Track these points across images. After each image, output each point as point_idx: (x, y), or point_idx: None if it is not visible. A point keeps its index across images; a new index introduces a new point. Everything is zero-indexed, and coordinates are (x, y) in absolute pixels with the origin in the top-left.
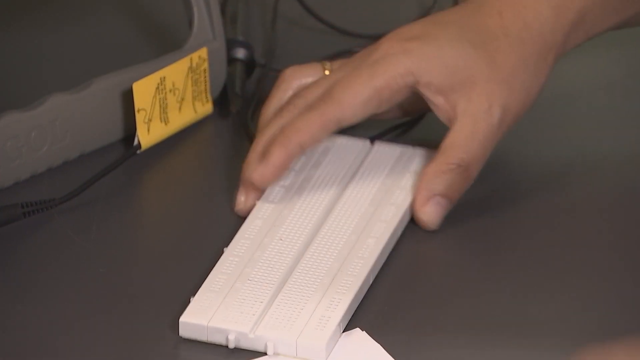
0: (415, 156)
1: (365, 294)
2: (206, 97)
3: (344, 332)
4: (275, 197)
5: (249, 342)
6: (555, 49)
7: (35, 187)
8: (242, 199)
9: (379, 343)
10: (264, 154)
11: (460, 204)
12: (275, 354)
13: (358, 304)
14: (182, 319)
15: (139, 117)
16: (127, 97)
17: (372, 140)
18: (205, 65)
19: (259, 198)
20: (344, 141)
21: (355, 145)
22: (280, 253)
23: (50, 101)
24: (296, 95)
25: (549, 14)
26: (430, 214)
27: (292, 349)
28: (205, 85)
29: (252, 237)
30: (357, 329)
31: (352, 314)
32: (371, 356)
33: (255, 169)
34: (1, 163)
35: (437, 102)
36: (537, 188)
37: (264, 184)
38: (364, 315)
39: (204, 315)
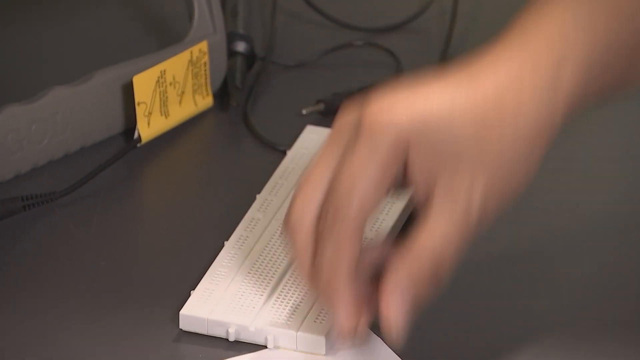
0: None
1: None
2: (206, 91)
3: None
4: (275, 192)
5: (250, 335)
6: (553, 124)
7: (35, 180)
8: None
9: (378, 336)
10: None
11: None
12: (276, 347)
13: None
14: (182, 311)
15: (139, 111)
16: (128, 90)
17: None
18: (206, 58)
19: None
20: None
21: None
22: (280, 247)
23: (50, 94)
24: None
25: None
26: (398, 323)
27: (292, 342)
28: (206, 78)
29: (253, 230)
30: None
31: None
32: (371, 349)
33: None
34: (2, 156)
35: (417, 179)
36: (537, 183)
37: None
38: None
39: (204, 308)
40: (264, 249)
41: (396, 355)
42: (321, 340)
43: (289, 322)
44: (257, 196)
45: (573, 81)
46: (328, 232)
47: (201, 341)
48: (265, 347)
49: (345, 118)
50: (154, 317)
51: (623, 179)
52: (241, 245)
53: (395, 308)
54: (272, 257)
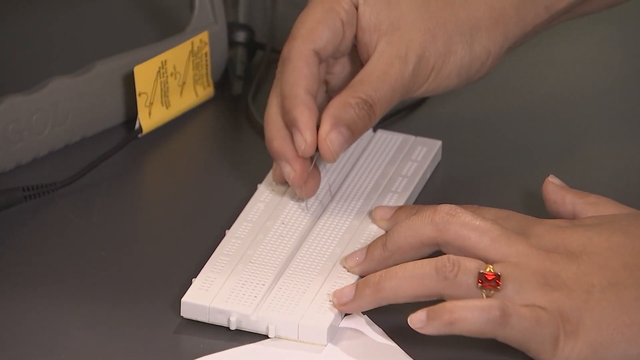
0: (416, 145)
1: None
2: (207, 81)
3: (345, 316)
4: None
5: (251, 324)
6: (503, 22)
7: (36, 170)
8: (300, 140)
9: (380, 327)
10: None
11: (462, 192)
12: (277, 336)
13: None
14: (184, 299)
15: (140, 101)
16: (129, 81)
17: (374, 128)
18: (207, 48)
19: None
20: None
21: None
22: (282, 236)
23: (51, 85)
24: None
25: None
26: (333, 143)
27: (293, 332)
28: (207, 68)
29: (254, 220)
30: None
31: None
32: (372, 340)
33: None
34: (3, 146)
35: (361, 38)
36: (537, 176)
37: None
38: None
39: (206, 296)
40: (266, 239)
41: (395, 344)
42: (323, 330)
43: (290, 312)
44: (259, 186)
45: None
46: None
47: (202, 330)
48: (267, 336)
49: None
50: (155, 306)
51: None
52: (243, 234)
53: (332, 129)
54: (274, 247)
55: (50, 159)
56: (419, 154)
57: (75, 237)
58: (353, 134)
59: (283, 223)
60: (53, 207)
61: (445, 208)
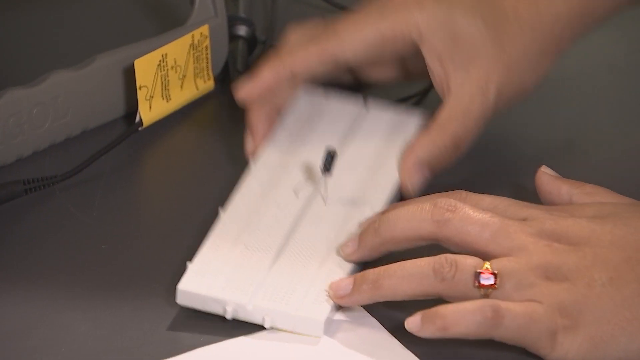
0: (409, 119)
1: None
2: (208, 74)
3: (340, 307)
4: (271, 158)
5: (247, 314)
6: (561, 43)
7: (37, 163)
8: (250, 143)
9: (376, 319)
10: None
11: (462, 183)
12: (272, 327)
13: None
14: (179, 287)
15: (141, 94)
16: (129, 74)
17: (365, 99)
18: (207, 42)
19: (262, 139)
20: (337, 103)
21: (348, 108)
22: (277, 220)
23: (52, 78)
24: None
25: (562, 7)
26: (414, 184)
27: (289, 323)
28: (207, 62)
29: (249, 200)
30: None
31: None
32: (368, 332)
33: (242, 86)
34: (3, 140)
35: (434, 68)
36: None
37: (246, 100)
38: None
39: (202, 283)
40: (261, 222)
41: (391, 336)
42: (319, 322)
43: (286, 303)
44: (252, 165)
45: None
46: (309, 38)
47: (200, 323)
48: (262, 326)
49: None
50: (156, 298)
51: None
52: (237, 217)
53: (415, 170)
54: (269, 230)
55: (50, 152)
56: (412, 128)
57: (75, 230)
58: (434, 172)
59: (278, 205)
60: (54, 201)
61: (444, 203)
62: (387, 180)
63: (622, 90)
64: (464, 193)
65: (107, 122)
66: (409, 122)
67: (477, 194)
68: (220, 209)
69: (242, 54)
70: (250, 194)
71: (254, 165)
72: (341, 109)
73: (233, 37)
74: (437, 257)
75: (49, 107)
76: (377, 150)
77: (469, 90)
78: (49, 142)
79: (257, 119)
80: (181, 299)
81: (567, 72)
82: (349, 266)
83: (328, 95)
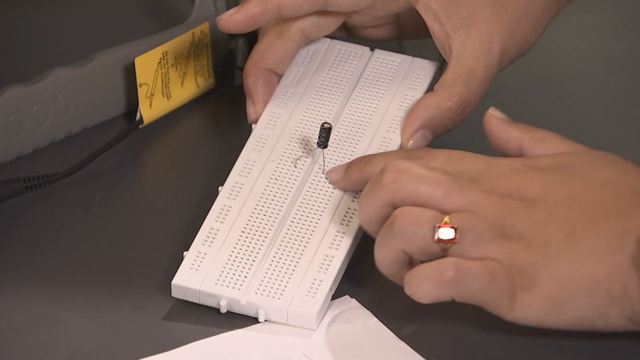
0: (414, 69)
1: (352, 262)
2: (208, 72)
3: (333, 299)
4: (272, 122)
5: (241, 308)
6: (559, 1)
7: (37, 161)
8: (251, 109)
9: (369, 310)
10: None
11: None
12: (267, 320)
13: (349, 260)
14: (174, 281)
15: (141, 92)
16: (130, 72)
17: (372, 48)
18: (208, 39)
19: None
20: (344, 47)
21: (354, 54)
22: (274, 196)
23: (52, 76)
24: None
25: None
26: (416, 145)
27: (283, 316)
28: (208, 59)
29: (246, 174)
30: (346, 296)
31: (343, 273)
32: (362, 323)
33: (226, 14)
34: (4, 137)
35: (433, 28)
36: None
37: (228, 29)
38: (352, 280)
39: (196, 277)
40: (256, 207)
41: (384, 326)
42: (312, 315)
43: (280, 296)
44: (254, 129)
45: None
46: None
47: (197, 316)
48: (257, 319)
49: None
50: (157, 297)
51: None
52: (235, 196)
53: (417, 132)
54: (263, 217)
55: (51, 150)
56: (416, 80)
57: (76, 228)
58: (437, 134)
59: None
60: (54, 198)
61: (392, 165)
62: (389, 147)
63: (621, 87)
64: (425, 150)
65: (108, 119)
66: (412, 69)
67: (435, 149)
68: (219, 188)
69: (242, 51)
70: (247, 166)
71: (253, 132)
72: (346, 54)
73: (233, 35)
74: (399, 210)
75: (50, 105)
76: (382, 104)
77: (472, 51)
78: (50, 139)
79: (255, 84)
80: (176, 293)
81: (566, 70)
82: (341, 256)
83: (332, 42)
